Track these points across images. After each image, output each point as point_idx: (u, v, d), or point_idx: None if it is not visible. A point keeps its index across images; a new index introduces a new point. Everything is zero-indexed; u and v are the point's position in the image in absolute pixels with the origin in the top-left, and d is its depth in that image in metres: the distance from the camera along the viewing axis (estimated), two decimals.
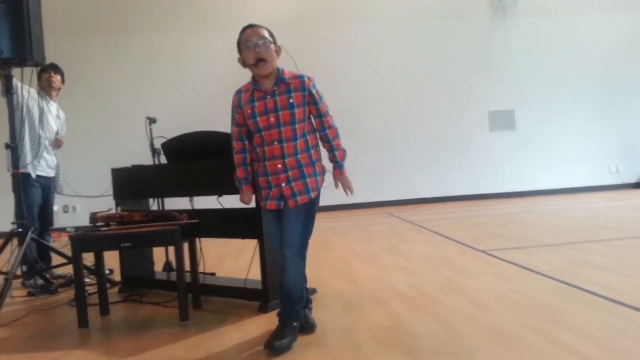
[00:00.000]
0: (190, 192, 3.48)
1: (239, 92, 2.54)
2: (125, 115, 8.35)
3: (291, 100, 2.43)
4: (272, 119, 2.43)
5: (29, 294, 3.81)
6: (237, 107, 2.53)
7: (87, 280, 3.77)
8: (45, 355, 2.53)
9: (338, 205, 8.93)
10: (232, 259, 4.83)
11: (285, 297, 2.45)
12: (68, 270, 3.98)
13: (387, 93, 9.20)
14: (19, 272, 3.71)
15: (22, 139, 3.93)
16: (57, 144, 4.39)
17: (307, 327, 2.61)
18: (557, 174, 9.53)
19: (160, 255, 4.01)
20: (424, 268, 3.91)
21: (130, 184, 3.75)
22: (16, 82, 3.89)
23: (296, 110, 2.43)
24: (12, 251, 3.68)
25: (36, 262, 3.92)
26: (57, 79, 4.39)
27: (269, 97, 2.44)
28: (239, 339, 2.57)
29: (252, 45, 2.38)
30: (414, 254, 4.50)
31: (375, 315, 2.82)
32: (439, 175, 9.32)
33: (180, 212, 3.23)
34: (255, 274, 3.21)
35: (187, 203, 3.54)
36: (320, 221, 7.58)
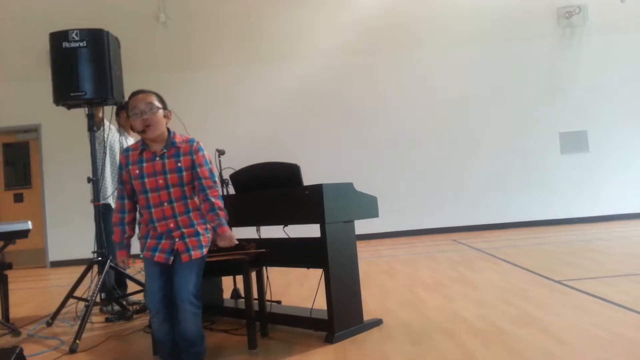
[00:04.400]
0: (257, 222, 3.56)
1: (127, 150, 2.62)
2: None
3: (179, 164, 2.54)
4: (160, 181, 2.52)
5: (107, 320, 4.00)
6: (125, 165, 2.59)
7: None
8: None
9: (400, 231, 8.84)
10: (297, 286, 4.86)
11: (188, 345, 2.53)
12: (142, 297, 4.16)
13: (451, 117, 9.06)
14: (98, 299, 3.91)
15: (103, 173, 4.18)
16: None
17: None
18: (634, 198, 8.97)
19: (228, 283, 4.10)
20: (495, 299, 3.77)
21: None
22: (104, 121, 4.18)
23: (184, 173, 2.54)
24: (92, 278, 3.89)
25: (113, 289, 4.11)
26: None
27: (157, 158, 2.54)
28: None
29: (139, 113, 2.50)
30: (484, 284, 4.36)
31: (443, 347, 2.74)
32: (507, 200, 9.00)
33: (249, 241, 3.31)
34: (320, 303, 3.22)
35: (254, 232, 3.63)
36: (382, 248, 7.58)
